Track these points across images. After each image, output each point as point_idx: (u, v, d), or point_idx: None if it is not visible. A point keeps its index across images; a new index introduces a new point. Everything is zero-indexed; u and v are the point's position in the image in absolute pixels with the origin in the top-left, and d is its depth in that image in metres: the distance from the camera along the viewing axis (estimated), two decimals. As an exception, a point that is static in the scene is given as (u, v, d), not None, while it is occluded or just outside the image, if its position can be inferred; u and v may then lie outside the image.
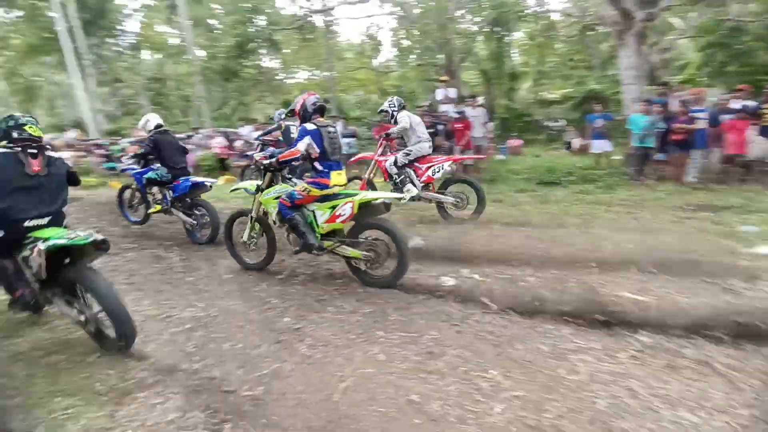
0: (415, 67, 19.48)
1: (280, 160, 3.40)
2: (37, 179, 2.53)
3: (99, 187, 10.29)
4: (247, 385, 2.24)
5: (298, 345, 2.64)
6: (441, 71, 13.06)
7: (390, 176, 4.99)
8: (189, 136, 12.71)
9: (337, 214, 3.32)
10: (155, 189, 5.22)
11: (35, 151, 2.57)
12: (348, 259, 3.47)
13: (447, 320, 2.88)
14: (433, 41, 13.95)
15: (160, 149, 4.98)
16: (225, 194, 6.35)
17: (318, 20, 16.94)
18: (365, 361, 2.44)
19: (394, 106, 5.06)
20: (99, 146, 12.86)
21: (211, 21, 20.32)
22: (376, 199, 3.33)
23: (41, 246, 2.33)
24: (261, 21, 17.04)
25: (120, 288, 3.80)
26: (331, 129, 3.45)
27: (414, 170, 4.85)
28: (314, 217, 3.43)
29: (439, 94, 8.85)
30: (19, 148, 2.52)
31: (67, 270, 2.52)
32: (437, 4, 12.86)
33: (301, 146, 3.26)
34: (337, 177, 3.42)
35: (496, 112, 15.55)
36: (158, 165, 5.05)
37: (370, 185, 5.24)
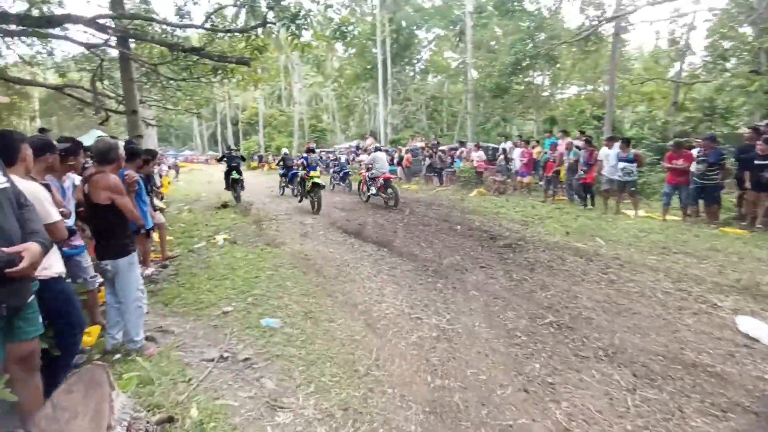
0: (741, 74, 14.40)
1: (297, 165, 10.34)
2: (235, 159, 9.96)
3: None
4: (489, 432, 1.98)
5: (551, 405, 2.18)
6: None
7: (367, 181, 9.43)
8: (453, 148, 13.79)
9: (309, 184, 8.55)
10: (283, 178, 12.02)
11: (234, 150, 11.34)
12: (310, 201, 8.69)
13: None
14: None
15: (285, 161, 11.77)
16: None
17: (607, 29, 14.96)
18: (650, 473, 1.74)
19: (373, 149, 10.21)
20: (386, 152, 15.67)
21: (491, 42, 21.42)
22: (318, 181, 8.46)
23: (233, 176, 9.84)
24: (540, 37, 16.62)
25: (382, 277, 4.36)
26: (312, 156, 9.05)
27: (374, 181, 9.01)
28: (306, 184, 8.72)
29: (798, 109, 6.07)
30: (230, 152, 10.43)
31: (234, 182, 9.91)
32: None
33: (299, 161, 9.93)
34: (314, 173, 8.53)
35: None
36: (285, 167, 11.78)
37: (366, 185, 9.47)
